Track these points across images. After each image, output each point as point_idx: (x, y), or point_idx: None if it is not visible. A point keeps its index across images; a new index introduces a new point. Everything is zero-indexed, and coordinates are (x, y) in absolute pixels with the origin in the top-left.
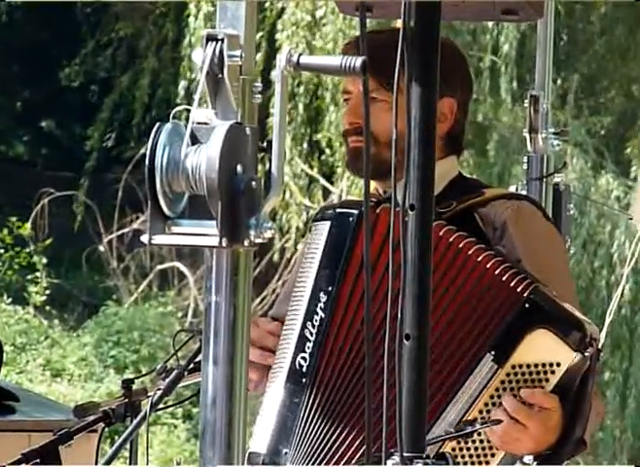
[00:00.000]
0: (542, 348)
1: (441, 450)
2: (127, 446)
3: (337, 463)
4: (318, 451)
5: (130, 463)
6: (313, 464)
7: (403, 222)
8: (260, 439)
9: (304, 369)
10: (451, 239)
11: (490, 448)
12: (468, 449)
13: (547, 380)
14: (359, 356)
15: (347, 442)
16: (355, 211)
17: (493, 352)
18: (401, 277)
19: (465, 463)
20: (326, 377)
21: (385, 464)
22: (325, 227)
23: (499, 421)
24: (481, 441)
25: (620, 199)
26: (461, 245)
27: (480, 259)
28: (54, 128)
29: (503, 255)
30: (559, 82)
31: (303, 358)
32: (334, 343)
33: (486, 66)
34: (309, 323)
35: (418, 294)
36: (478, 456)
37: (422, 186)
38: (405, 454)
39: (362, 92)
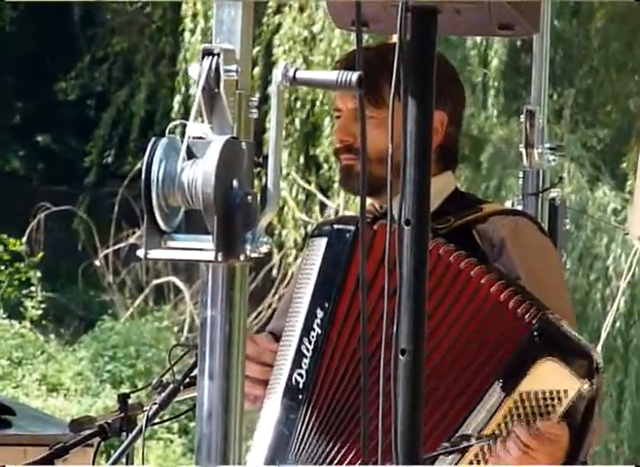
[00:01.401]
0: (549, 377)
1: None
2: (123, 460)
3: None
4: None
5: None
6: None
7: (399, 237)
8: (257, 454)
9: (301, 385)
10: (451, 259)
11: None
12: None
13: (553, 408)
14: (356, 372)
15: (345, 458)
16: (352, 227)
17: (502, 381)
18: (397, 292)
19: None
20: (322, 393)
21: None
22: (322, 242)
23: (495, 437)
24: None
25: (616, 213)
26: (462, 265)
27: (483, 281)
28: (51, 143)
29: (504, 276)
30: (555, 97)
31: (300, 374)
32: (330, 360)
33: (479, 80)
34: (306, 339)
35: (414, 309)
36: None
37: (418, 201)
38: None
39: (356, 108)
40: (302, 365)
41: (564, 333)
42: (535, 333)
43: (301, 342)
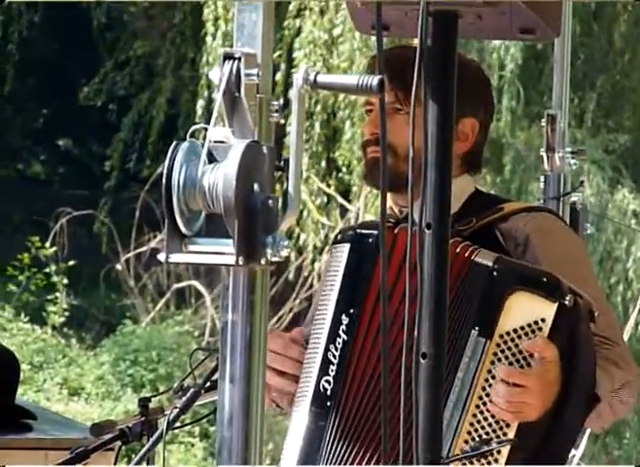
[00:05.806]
0: (523, 309)
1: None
2: (144, 464)
3: None
4: None
5: None
6: None
7: (419, 241)
8: (288, 463)
9: (329, 392)
10: (466, 254)
11: (503, 421)
12: (482, 427)
13: None
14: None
15: (377, 463)
16: (375, 232)
17: (477, 328)
18: (417, 296)
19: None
20: (350, 399)
21: None
22: (345, 249)
23: (513, 441)
24: (493, 416)
25: (636, 215)
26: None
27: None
28: (72, 147)
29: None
30: (576, 101)
31: (327, 381)
32: (357, 366)
33: (497, 84)
34: (332, 346)
35: (434, 313)
36: (494, 431)
37: (439, 205)
38: None
39: (388, 102)
40: (330, 372)
41: (522, 265)
42: (494, 272)
43: (327, 350)
